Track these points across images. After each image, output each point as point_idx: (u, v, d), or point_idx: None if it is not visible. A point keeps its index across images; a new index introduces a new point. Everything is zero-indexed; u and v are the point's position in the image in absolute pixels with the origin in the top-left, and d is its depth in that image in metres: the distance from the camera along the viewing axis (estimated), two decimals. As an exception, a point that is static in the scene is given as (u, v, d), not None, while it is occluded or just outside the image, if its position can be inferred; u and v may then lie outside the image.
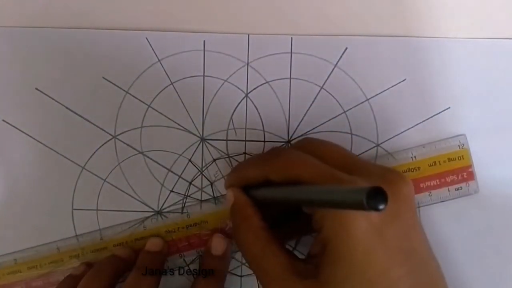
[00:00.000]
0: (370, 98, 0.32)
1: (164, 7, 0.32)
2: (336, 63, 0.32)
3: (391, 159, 0.32)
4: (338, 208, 0.21)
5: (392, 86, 0.32)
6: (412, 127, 0.32)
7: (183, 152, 0.32)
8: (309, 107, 0.32)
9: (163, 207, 0.33)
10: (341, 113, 0.32)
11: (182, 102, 0.32)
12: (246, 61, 0.32)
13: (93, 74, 0.32)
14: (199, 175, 0.33)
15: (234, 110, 0.32)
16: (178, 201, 0.33)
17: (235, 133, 0.32)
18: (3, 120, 0.32)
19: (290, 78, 0.32)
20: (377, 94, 0.32)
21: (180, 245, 0.33)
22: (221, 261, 0.31)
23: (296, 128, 0.32)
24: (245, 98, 0.32)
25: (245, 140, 0.32)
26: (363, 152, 0.32)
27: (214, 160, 0.33)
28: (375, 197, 0.17)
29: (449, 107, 0.32)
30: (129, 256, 0.32)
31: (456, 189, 0.31)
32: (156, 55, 0.32)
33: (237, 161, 0.33)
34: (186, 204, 0.33)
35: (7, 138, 0.32)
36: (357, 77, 0.32)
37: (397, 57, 0.32)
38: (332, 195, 0.20)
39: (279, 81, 0.32)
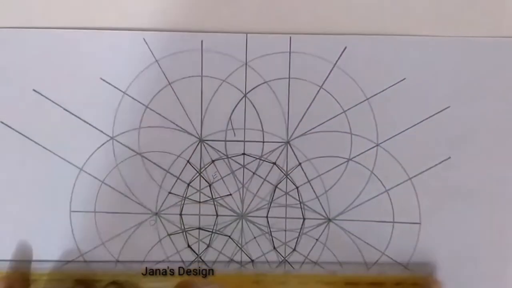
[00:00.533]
0: (369, 98, 0.32)
1: (161, 6, 0.32)
2: (336, 63, 0.32)
3: (392, 160, 0.32)
4: None
5: (392, 86, 0.31)
6: (412, 126, 0.32)
7: (181, 153, 0.32)
8: (308, 107, 0.32)
9: (161, 208, 0.32)
10: (341, 113, 0.32)
11: (180, 102, 0.32)
12: (245, 61, 0.32)
13: (91, 75, 0.32)
14: (198, 176, 0.32)
15: (233, 111, 0.32)
16: (176, 203, 0.32)
17: (234, 133, 0.32)
18: (1, 122, 0.32)
19: (289, 77, 0.32)
20: (376, 94, 0.32)
21: None
22: None
23: (296, 128, 0.32)
24: (244, 98, 0.32)
25: (244, 141, 0.32)
26: (363, 152, 0.32)
27: (213, 161, 0.32)
28: None
29: (449, 106, 0.31)
30: None
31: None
32: (153, 55, 0.32)
33: (236, 162, 0.32)
34: (184, 206, 0.33)
35: (5, 140, 0.32)
36: (356, 76, 0.32)
37: (397, 56, 0.31)
38: None
39: (278, 80, 0.32)
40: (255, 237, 0.33)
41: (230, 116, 0.32)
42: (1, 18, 0.32)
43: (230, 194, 0.32)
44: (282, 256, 0.33)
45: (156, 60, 0.32)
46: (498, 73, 0.31)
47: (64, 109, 0.32)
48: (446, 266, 0.32)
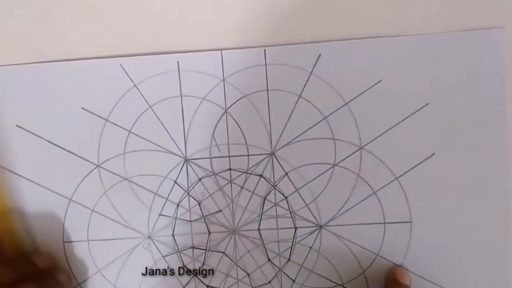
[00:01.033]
0: (348, 102, 0.32)
1: (135, 31, 0.32)
2: (312, 71, 0.32)
3: (377, 162, 0.32)
4: None
5: (369, 88, 0.32)
6: (393, 126, 0.32)
7: (168, 174, 0.32)
8: (289, 117, 0.32)
9: (153, 231, 0.33)
10: (322, 120, 0.32)
11: (162, 124, 0.32)
12: (222, 77, 0.32)
13: (72, 106, 0.32)
14: (186, 195, 0.32)
15: (215, 127, 0.32)
16: (167, 224, 0.33)
17: (218, 150, 0.32)
18: (-14, 160, 0.32)
19: (268, 89, 0.32)
20: (355, 97, 0.32)
21: None
22: None
23: (279, 139, 0.32)
24: (225, 114, 0.32)
25: (229, 156, 0.32)
26: (348, 156, 0.32)
27: (200, 179, 0.32)
28: None
29: (428, 103, 0.32)
30: None
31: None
32: (131, 80, 0.32)
33: (223, 178, 0.32)
34: (176, 226, 0.33)
35: (-8, 177, 0.32)
36: (333, 82, 0.32)
37: (371, 58, 0.32)
38: None
39: (256, 93, 0.32)
40: (249, 251, 0.33)
41: (213, 133, 0.32)
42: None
43: (220, 210, 0.33)
44: (278, 267, 0.33)
45: (135, 85, 0.32)
46: (472, 66, 0.31)
47: (48, 141, 0.32)
48: (440, 262, 0.32)
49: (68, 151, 0.32)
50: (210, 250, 0.33)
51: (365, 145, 0.32)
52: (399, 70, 0.31)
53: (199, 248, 0.33)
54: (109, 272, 0.33)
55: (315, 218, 0.32)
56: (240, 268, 0.33)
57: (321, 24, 0.32)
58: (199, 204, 0.32)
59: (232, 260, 0.33)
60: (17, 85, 0.32)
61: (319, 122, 0.32)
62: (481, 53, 0.31)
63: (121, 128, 0.32)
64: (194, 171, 0.32)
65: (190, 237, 0.33)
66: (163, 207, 0.32)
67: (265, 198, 0.32)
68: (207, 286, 0.33)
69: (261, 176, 0.32)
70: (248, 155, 0.32)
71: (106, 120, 0.32)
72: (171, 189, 0.32)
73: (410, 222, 0.32)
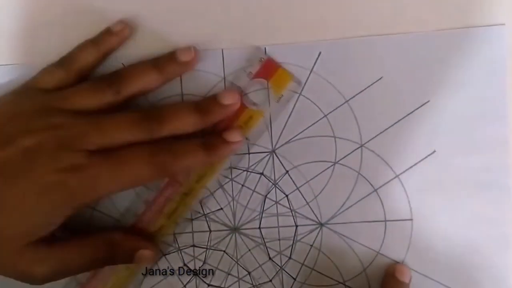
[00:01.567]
0: (349, 100, 0.32)
1: (137, 29, 0.32)
2: (312, 68, 0.32)
3: (378, 159, 0.32)
4: None
5: (370, 86, 0.32)
6: (394, 124, 0.32)
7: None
8: (290, 114, 0.32)
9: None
10: (322, 117, 0.32)
11: (163, 122, 0.32)
12: (223, 76, 0.32)
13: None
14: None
15: (216, 125, 0.32)
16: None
17: (219, 148, 0.32)
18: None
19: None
20: (355, 95, 0.32)
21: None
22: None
23: (279, 137, 0.32)
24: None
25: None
26: (348, 154, 0.32)
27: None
28: None
29: (429, 101, 0.32)
30: None
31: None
32: (133, 79, 0.32)
33: (224, 176, 0.32)
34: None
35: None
36: (333, 80, 0.32)
37: (371, 56, 0.32)
38: None
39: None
40: (249, 250, 0.33)
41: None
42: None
43: (221, 209, 0.33)
44: (279, 266, 0.32)
45: (136, 83, 0.32)
46: (473, 63, 0.31)
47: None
48: (441, 260, 0.32)
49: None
50: (211, 249, 0.33)
51: (366, 142, 0.32)
52: (399, 67, 0.32)
53: (199, 247, 0.33)
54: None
55: (316, 216, 0.32)
56: (241, 266, 0.33)
57: (321, 22, 0.32)
58: (200, 202, 0.32)
59: (232, 259, 0.33)
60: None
61: (319, 120, 0.32)
62: (481, 50, 0.31)
63: (122, 126, 0.32)
64: (194, 169, 0.32)
65: (191, 236, 0.33)
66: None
67: (265, 196, 0.32)
68: (208, 285, 0.33)
69: (261, 174, 0.32)
70: (249, 153, 0.32)
71: (107, 118, 0.32)
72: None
73: (411, 219, 0.32)
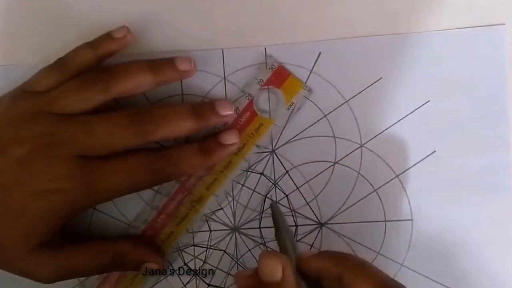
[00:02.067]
0: (349, 100, 0.32)
1: (137, 29, 0.32)
2: (312, 69, 0.32)
3: (377, 159, 0.32)
4: None
5: (370, 86, 0.32)
6: (394, 124, 0.32)
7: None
8: (290, 115, 0.32)
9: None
10: (322, 117, 0.32)
11: (164, 122, 0.32)
12: (223, 76, 0.32)
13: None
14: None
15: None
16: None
17: (219, 148, 0.32)
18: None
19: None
20: (355, 95, 0.32)
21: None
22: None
23: (279, 137, 0.32)
24: (226, 112, 0.32)
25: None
26: (348, 154, 0.32)
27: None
28: None
29: (429, 101, 0.32)
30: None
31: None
32: (133, 79, 0.32)
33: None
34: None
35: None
36: (333, 80, 0.32)
37: (371, 56, 0.32)
38: None
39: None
40: (249, 249, 0.33)
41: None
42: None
43: (222, 208, 0.33)
44: (279, 266, 0.32)
45: (137, 83, 0.33)
46: (473, 63, 0.31)
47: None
48: (441, 260, 0.31)
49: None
50: (211, 248, 0.33)
51: (366, 142, 0.32)
52: (399, 67, 0.32)
53: (200, 246, 0.33)
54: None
55: (316, 216, 0.32)
56: (241, 266, 0.33)
57: (322, 23, 0.32)
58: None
59: (233, 258, 0.33)
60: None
61: (319, 120, 0.32)
62: (482, 50, 0.31)
63: (123, 126, 0.32)
64: (195, 169, 0.33)
65: (191, 235, 0.33)
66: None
67: (266, 196, 0.32)
68: (208, 284, 0.33)
69: (261, 174, 0.32)
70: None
71: (108, 118, 0.32)
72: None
73: (411, 220, 0.32)
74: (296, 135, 0.32)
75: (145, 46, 0.33)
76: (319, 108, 0.32)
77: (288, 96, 0.32)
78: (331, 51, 0.32)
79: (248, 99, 0.32)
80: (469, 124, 0.31)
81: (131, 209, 0.33)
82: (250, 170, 0.32)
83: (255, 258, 0.33)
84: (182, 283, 0.33)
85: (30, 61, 0.33)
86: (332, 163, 0.32)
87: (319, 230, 0.32)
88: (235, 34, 0.32)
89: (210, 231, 0.33)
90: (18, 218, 0.27)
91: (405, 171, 0.32)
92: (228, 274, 0.33)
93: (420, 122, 0.32)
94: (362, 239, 0.32)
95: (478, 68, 0.31)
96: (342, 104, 0.32)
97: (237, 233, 0.33)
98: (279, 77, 0.32)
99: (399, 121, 0.32)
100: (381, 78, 0.32)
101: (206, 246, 0.33)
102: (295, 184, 0.32)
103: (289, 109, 0.32)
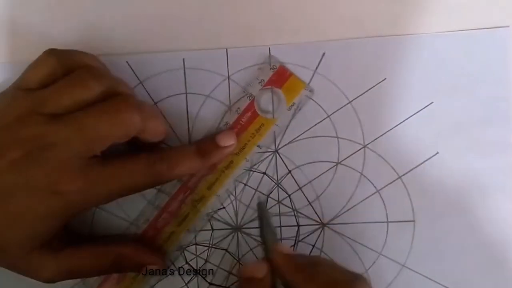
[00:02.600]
0: (352, 100, 0.32)
1: (141, 29, 0.33)
2: (316, 69, 0.32)
3: (380, 160, 0.32)
4: None
5: (373, 86, 0.32)
6: (397, 125, 0.32)
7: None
8: (292, 115, 0.32)
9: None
10: (325, 118, 0.32)
11: (167, 120, 0.33)
12: (227, 75, 0.32)
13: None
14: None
15: (219, 124, 0.32)
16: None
17: (222, 147, 0.33)
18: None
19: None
20: (359, 96, 0.32)
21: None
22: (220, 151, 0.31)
23: (282, 137, 0.32)
24: (229, 111, 0.32)
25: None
26: (351, 154, 0.32)
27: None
28: None
29: (432, 102, 0.32)
30: None
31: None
32: (137, 78, 0.33)
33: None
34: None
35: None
36: (337, 80, 0.32)
37: (375, 57, 0.32)
38: None
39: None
40: (251, 249, 0.33)
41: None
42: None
43: (224, 208, 0.33)
44: (280, 265, 0.32)
45: (141, 82, 0.33)
46: (477, 65, 0.31)
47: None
48: (443, 261, 0.31)
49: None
50: (213, 247, 0.33)
51: (369, 143, 0.32)
52: (403, 69, 0.32)
53: (202, 245, 0.33)
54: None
55: (318, 216, 0.32)
56: (243, 265, 0.33)
57: (326, 23, 0.32)
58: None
59: (234, 258, 0.33)
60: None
61: (322, 120, 0.32)
62: (485, 52, 0.31)
63: (126, 124, 0.32)
64: (197, 167, 0.33)
65: (193, 234, 0.33)
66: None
67: (268, 196, 0.33)
68: (210, 283, 0.33)
69: (264, 173, 0.33)
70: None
71: (112, 116, 0.32)
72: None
73: (413, 221, 0.32)
74: (299, 135, 0.32)
75: (149, 45, 0.33)
76: (322, 109, 0.32)
77: (290, 96, 0.32)
78: (335, 52, 0.32)
79: (250, 99, 0.32)
80: (472, 125, 0.31)
81: (133, 207, 0.33)
82: (252, 170, 0.33)
83: (256, 258, 0.33)
84: (184, 281, 0.33)
85: (30, 59, 0.32)
86: (335, 164, 0.32)
87: (321, 231, 0.32)
88: (240, 33, 0.32)
89: (212, 230, 0.33)
90: (17, 221, 0.27)
91: (408, 172, 0.32)
92: (230, 273, 0.33)
93: (423, 124, 0.32)
94: (364, 239, 0.32)
95: (482, 70, 0.31)
96: (345, 105, 0.32)
97: (239, 233, 0.33)
98: (280, 77, 0.32)
99: (402, 122, 0.32)
100: (385, 79, 0.32)
101: (208, 245, 0.33)
102: (297, 184, 0.32)
103: (290, 109, 0.32)
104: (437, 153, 0.32)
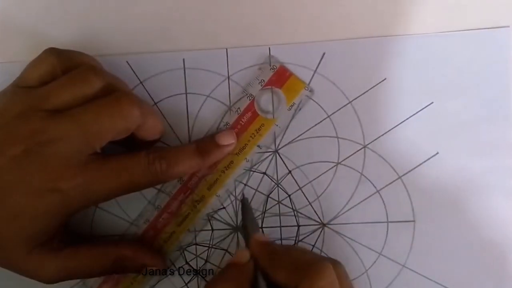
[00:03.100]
0: (352, 101, 0.32)
1: (141, 29, 0.33)
2: (316, 69, 0.32)
3: (380, 160, 0.32)
4: None
5: (373, 87, 0.32)
6: (397, 125, 0.32)
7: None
8: (292, 115, 0.32)
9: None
10: (325, 118, 0.32)
11: (167, 121, 0.33)
12: (227, 75, 0.32)
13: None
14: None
15: (219, 124, 0.32)
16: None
17: (222, 147, 0.33)
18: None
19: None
20: (359, 96, 0.32)
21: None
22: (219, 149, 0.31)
23: (282, 137, 0.32)
24: (229, 111, 0.32)
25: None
26: (351, 155, 0.32)
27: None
28: None
29: (432, 102, 0.32)
30: None
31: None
32: (137, 78, 0.33)
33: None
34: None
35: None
36: (337, 80, 0.32)
37: (375, 57, 0.32)
38: None
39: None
40: (251, 249, 0.33)
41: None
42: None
43: (224, 208, 0.33)
44: (280, 265, 0.32)
45: (141, 82, 0.33)
46: (477, 65, 0.31)
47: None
48: (443, 261, 0.31)
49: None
50: (213, 248, 0.33)
51: (369, 143, 0.32)
52: (403, 69, 0.32)
53: (202, 245, 0.33)
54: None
55: (318, 216, 0.32)
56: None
57: (326, 23, 0.32)
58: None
59: (234, 258, 0.33)
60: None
61: (323, 120, 0.32)
62: (486, 52, 0.31)
63: (126, 124, 0.32)
64: (198, 168, 0.33)
65: (193, 234, 0.33)
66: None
67: (268, 196, 0.33)
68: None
69: (264, 173, 0.33)
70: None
71: (112, 116, 0.32)
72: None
73: (413, 221, 0.32)
74: (299, 135, 0.32)
75: (149, 45, 0.33)
76: (322, 109, 0.32)
77: (290, 96, 0.32)
78: (335, 52, 0.32)
79: (250, 100, 0.32)
80: (472, 126, 0.31)
81: (133, 207, 0.33)
82: (253, 170, 0.33)
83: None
84: (184, 282, 0.33)
85: (30, 59, 0.32)
86: (335, 164, 0.32)
87: (321, 231, 0.32)
88: (240, 33, 0.32)
89: (212, 230, 0.33)
90: (16, 219, 0.27)
91: (408, 172, 0.32)
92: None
93: (423, 124, 0.32)
94: (364, 240, 0.32)
95: (482, 70, 0.31)
96: (345, 105, 0.32)
97: (239, 233, 0.33)
98: (280, 77, 0.32)
99: (402, 122, 0.32)
100: (385, 79, 0.32)
101: (208, 245, 0.33)
102: (297, 184, 0.32)
103: (290, 109, 0.32)
104: (437, 153, 0.32)
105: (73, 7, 0.33)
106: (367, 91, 0.32)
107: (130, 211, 0.33)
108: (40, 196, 0.27)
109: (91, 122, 0.27)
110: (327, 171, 0.32)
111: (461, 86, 0.32)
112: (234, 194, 0.33)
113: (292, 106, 0.32)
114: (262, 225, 0.32)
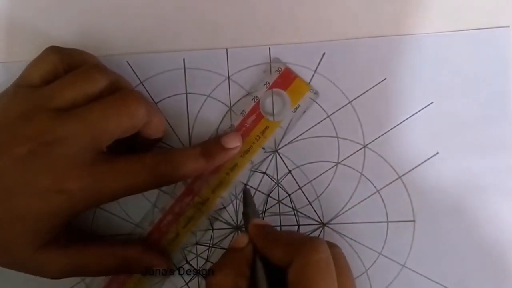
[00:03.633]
0: (352, 100, 0.32)
1: (142, 29, 0.33)
2: (316, 69, 0.32)
3: (380, 160, 0.32)
4: None
5: (373, 87, 0.32)
6: (397, 125, 0.32)
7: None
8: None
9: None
10: (325, 118, 0.32)
11: (167, 121, 0.33)
12: (227, 75, 0.32)
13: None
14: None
15: (219, 124, 0.33)
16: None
17: (222, 147, 0.33)
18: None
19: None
20: (359, 96, 0.32)
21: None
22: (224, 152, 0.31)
23: (283, 137, 0.32)
24: (229, 111, 0.32)
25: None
26: (351, 154, 0.32)
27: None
28: None
29: (432, 102, 0.32)
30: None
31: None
32: (138, 78, 0.33)
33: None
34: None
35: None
36: (337, 80, 0.32)
37: (375, 57, 0.32)
38: None
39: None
40: (251, 248, 0.33)
41: (217, 130, 0.33)
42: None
43: (224, 207, 0.33)
44: (280, 265, 0.33)
45: (141, 82, 0.33)
46: (477, 65, 0.31)
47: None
48: (443, 261, 0.32)
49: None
50: (214, 247, 0.33)
51: (369, 143, 0.32)
52: (403, 69, 0.32)
53: (202, 245, 0.33)
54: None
55: (318, 216, 0.32)
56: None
57: (326, 23, 0.32)
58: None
59: (235, 257, 0.33)
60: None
61: (322, 120, 0.32)
62: (485, 52, 0.31)
63: (126, 124, 0.33)
64: (198, 167, 0.33)
65: (194, 234, 0.33)
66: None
67: (268, 195, 0.33)
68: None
69: (264, 173, 0.33)
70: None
71: (112, 116, 0.33)
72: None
73: (413, 221, 0.32)
74: (300, 135, 0.32)
75: (149, 45, 0.33)
76: (322, 109, 0.32)
77: (295, 98, 0.32)
78: (335, 52, 0.32)
79: (254, 102, 0.32)
80: (472, 125, 0.31)
81: (138, 209, 0.33)
82: (253, 170, 0.33)
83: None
84: (185, 281, 0.33)
85: (30, 58, 0.33)
86: (335, 163, 0.32)
87: (321, 230, 0.32)
88: (240, 33, 0.32)
89: (213, 229, 0.33)
90: (22, 219, 0.27)
91: (408, 172, 0.32)
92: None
93: (423, 124, 0.32)
94: (364, 239, 0.32)
95: (482, 70, 0.31)
96: (345, 105, 0.32)
97: (239, 232, 0.33)
98: (285, 79, 0.32)
99: (402, 122, 0.32)
100: (385, 79, 0.32)
101: (208, 244, 0.33)
102: (297, 184, 0.32)
103: (295, 111, 0.32)
104: (437, 153, 0.32)
105: (73, 7, 0.33)
106: (367, 91, 0.32)
107: (135, 213, 0.33)
108: (46, 197, 0.26)
109: (98, 121, 0.27)
110: (327, 171, 0.32)
111: (461, 86, 0.32)
112: (234, 193, 0.33)
113: (296, 108, 0.32)
114: (262, 225, 0.32)
